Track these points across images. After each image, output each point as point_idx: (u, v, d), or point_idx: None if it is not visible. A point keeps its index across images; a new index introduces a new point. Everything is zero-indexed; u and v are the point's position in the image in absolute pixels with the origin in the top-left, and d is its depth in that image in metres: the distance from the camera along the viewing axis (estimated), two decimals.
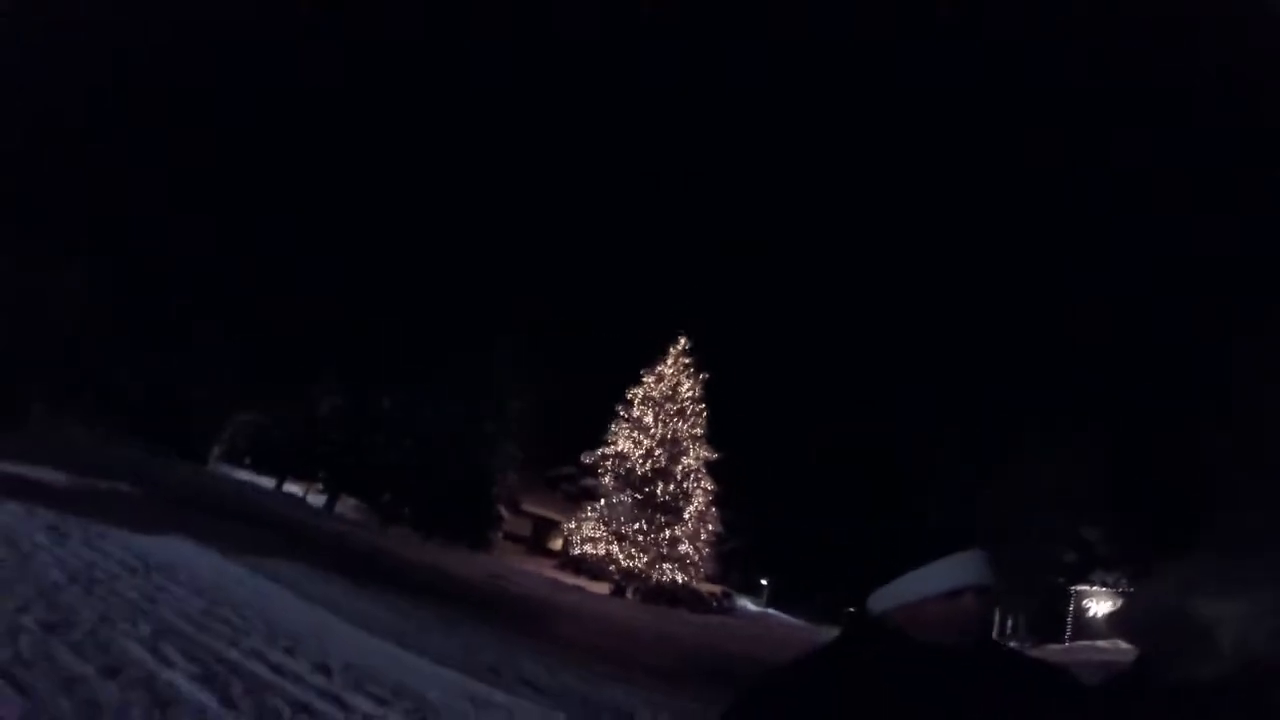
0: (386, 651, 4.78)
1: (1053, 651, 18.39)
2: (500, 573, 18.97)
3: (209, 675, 3.17)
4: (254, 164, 26.26)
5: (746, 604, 30.63)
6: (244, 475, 24.22)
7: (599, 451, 21.83)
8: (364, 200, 29.08)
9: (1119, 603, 19.38)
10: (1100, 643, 18.52)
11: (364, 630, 5.30)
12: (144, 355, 22.07)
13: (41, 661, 2.77)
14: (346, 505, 24.40)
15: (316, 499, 24.13)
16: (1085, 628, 20.33)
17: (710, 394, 22.35)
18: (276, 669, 3.62)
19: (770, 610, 30.74)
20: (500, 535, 26.04)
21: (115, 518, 6.76)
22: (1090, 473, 19.94)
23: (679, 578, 20.34)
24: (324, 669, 3.84)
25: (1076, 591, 21.17)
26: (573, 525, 21.56)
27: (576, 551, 21.42)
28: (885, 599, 0.89)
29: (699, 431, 21.61)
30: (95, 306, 20.32)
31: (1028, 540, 19.60)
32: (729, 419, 26.50)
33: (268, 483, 23.95)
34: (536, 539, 28.47)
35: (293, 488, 24.46)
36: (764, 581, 33.41)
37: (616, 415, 21.83)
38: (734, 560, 32.84)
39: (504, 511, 25.08)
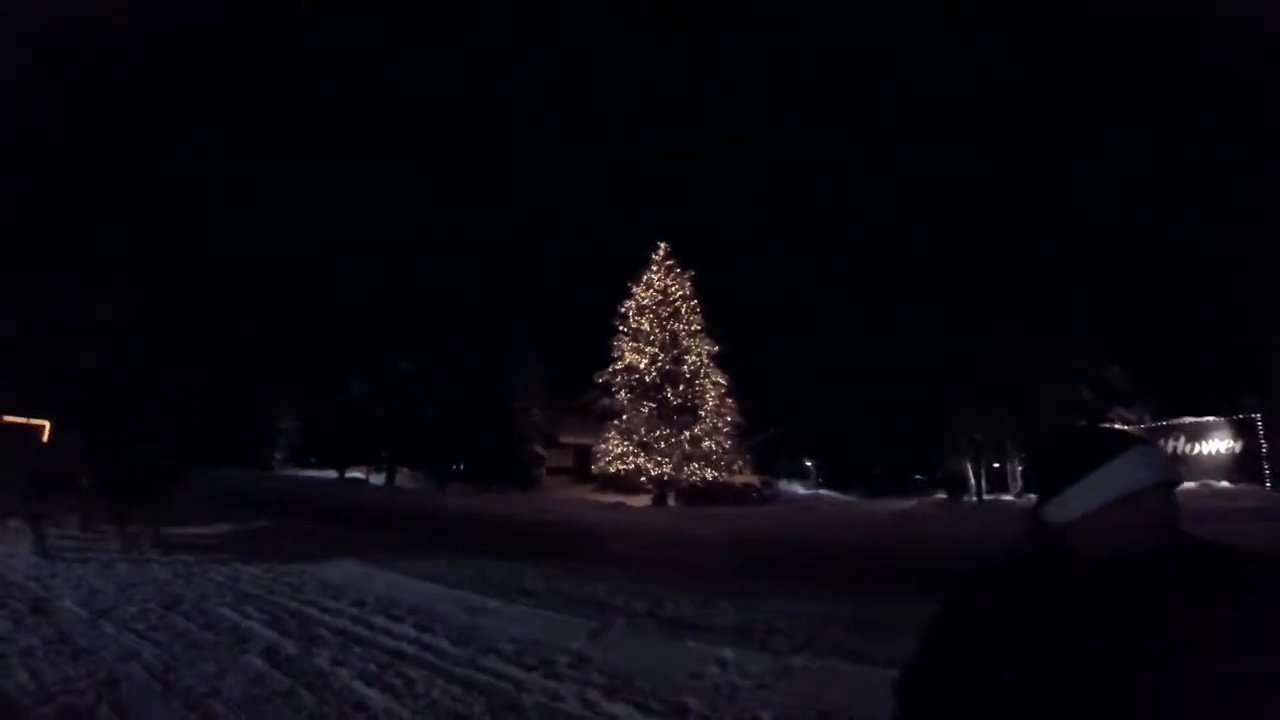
0: (412, 585, 6.42)
1: None
2: (542, 505, 21.05)
3: (274, 619, 4.81)
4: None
5: (797, 489, 32.93)
6: (310, 472, 26.73)
7: (609, 369, 23.49)
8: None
9: None
10: None
11: (397, 573, 7.02)
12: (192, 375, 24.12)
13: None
14: (405, 476, 27.11)
15: (378, 478, 26.95)
16: None
17: (707, 290, 23.63)
18: (323, 609, 5.28)
19: (823, 492, 32.89)
20: (543, 471, 28.60)
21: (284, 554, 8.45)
22: (1104, 308, 20.40)
23: (708, 474, 22.46)
24: (359, 603, 5.49)
25: None
26: (601, 446, 23.62)
27: (611, 470, 23.64)
28: (1062, 509, 0.85)
29: (697, 328, 22.99)
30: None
31: (1044, 380, 20.50)
32: (740, 311, 27.74)
33: (332, 474, 26.58)
34: (580, 468, 30.93)
35: (355, 473, 27.21)
36: (809, 464, 35.75)
37: (616, 330, 23.32)
38: (778, 448, 35.13)
39: (540, 449, 27.49)
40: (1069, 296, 20.32)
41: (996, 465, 25.17)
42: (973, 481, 26.05)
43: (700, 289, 24.04)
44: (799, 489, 32.89)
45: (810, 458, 35.67)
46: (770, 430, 34.01)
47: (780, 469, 35.17)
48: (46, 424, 10.28)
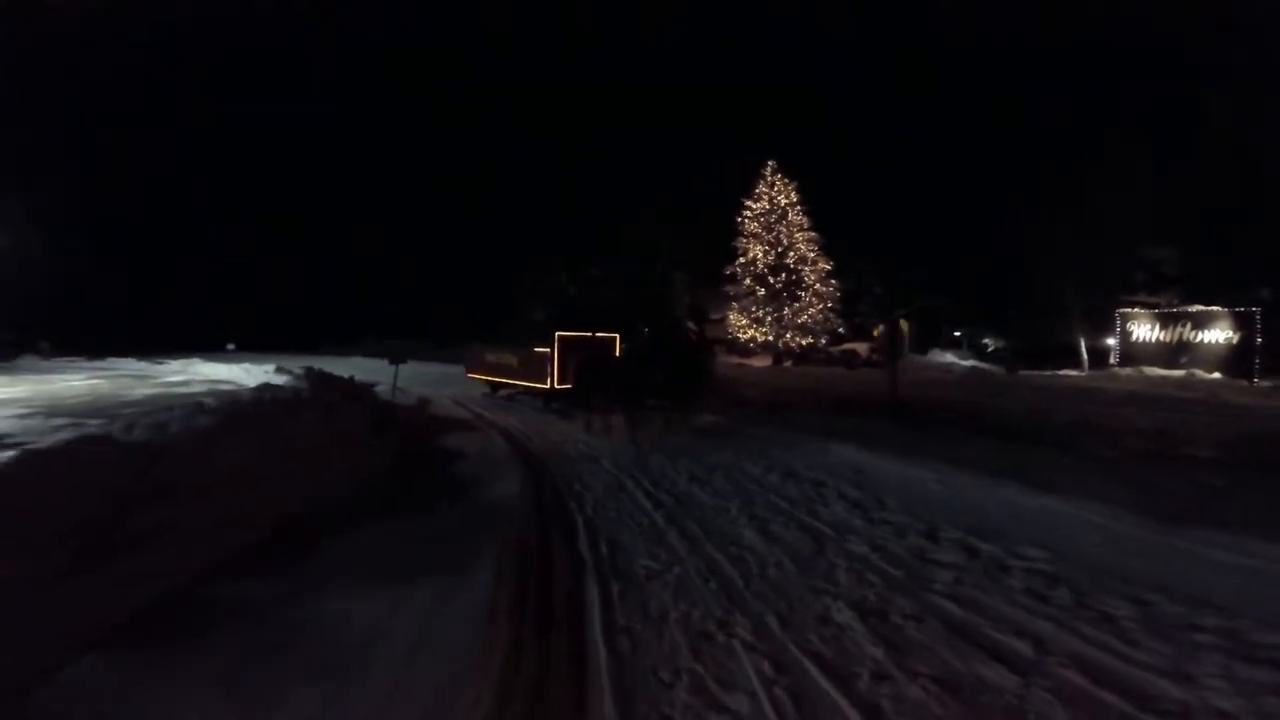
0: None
1: (1096, 376, 23.24)
2: None
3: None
4: None
5: (948, 357, 39.61)
6: None
7: (736, 262, 33.78)
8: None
9: (1156, 325, 22.75)
10: (1123, 370, 22.16)
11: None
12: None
13: None
14: None
15: None
16: (1130, 352, 23.46)
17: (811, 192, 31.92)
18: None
19: (964, 361, 38.97)
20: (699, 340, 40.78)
21: None
22: (1164, 190, 22.83)
23: (804, 341, 32.09)
24: None
25: (1121, 314, 24.25)
26: (728, 320, 34.62)
27: (738, 338, 34.64)
28: None
29: (800, 227, 31.75)
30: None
31: (1091, 258, 24.46)
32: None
33: None
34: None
35: None
36: (957, 334, 41.33)
37: (737, 233, 33.19)
38: (940, 319, 41.68)
39: (691, 324, 39.37)
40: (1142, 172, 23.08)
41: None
42: (1084, 355, 30.66)
43: (817, 192, 32.23)
44: (950, 358, 39.55)
45: (960, 329, 41.32)
46: (917, 303, 40.69)
47: (939, 339, 41.94)
48: (617, 336, 12.92)
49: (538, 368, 12.24)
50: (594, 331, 12.62)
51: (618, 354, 12.26)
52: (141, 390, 15.57)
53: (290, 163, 44.32)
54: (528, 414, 12.69)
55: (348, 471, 7.00)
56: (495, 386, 14.60)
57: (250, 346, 35.41)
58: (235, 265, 42.86)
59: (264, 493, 5.73)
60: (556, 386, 11.94)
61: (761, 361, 33.89)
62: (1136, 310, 24.09)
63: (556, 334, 11.93)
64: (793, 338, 31.97)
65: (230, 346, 35.33)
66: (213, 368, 22.38)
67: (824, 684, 3.15)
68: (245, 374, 18.95)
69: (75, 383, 17.56)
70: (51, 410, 10.71)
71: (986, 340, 42.21)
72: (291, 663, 3.16)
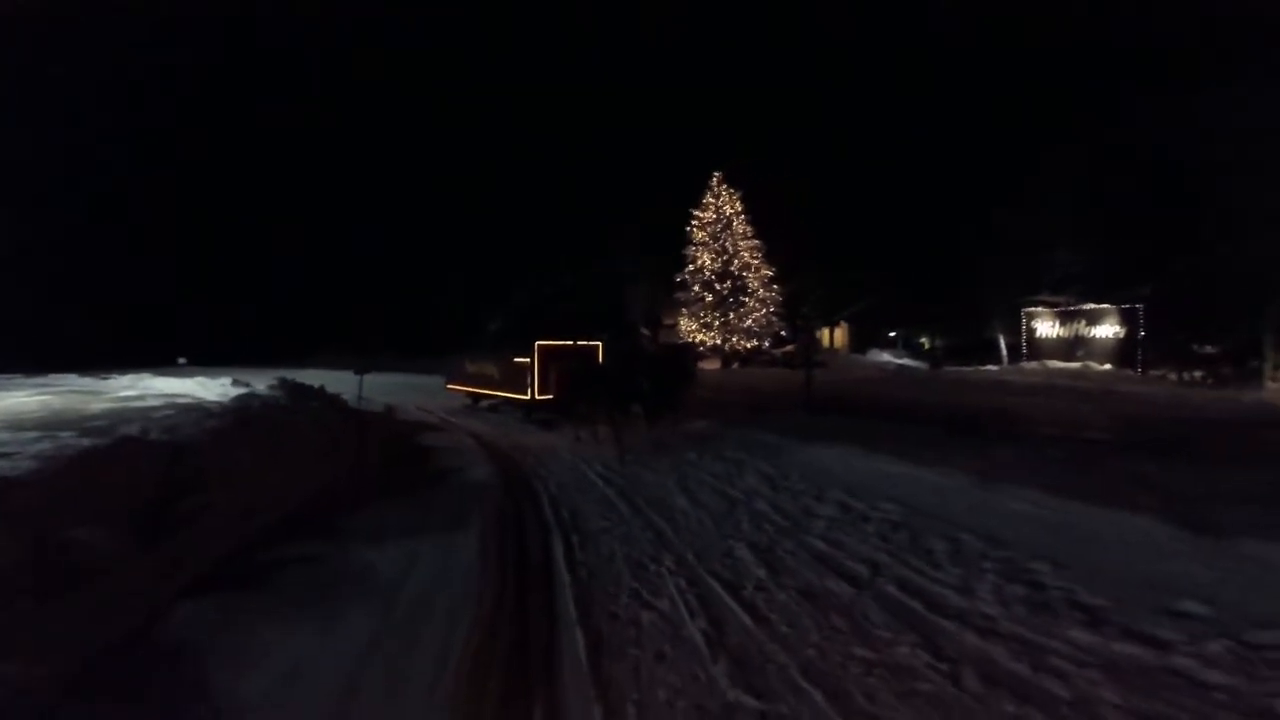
0: None
1: (1008, 370, 25.94)
2: None
3: None
4: None
5: (885, 357, 42.28)
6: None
7: (685, 270, 35.53)
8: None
9: (1056, 322, 25.65)
10: (1029, 364, 24.94)
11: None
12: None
13: None
14: None
15: None
16: (1035, 348, 26.72)
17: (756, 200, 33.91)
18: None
19: (896, 360, 41.75)
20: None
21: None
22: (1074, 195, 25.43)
23: (749, 344, 34.04)
24: None
25: (1026, 313, 27.22)
26: (679, 325, 36.34)
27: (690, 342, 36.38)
28: None
29: (744, 235, 33.73)
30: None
31: (1006, 259, 27.05)
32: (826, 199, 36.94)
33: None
34: None
35: None
36: (892, 334, 44.24)
37: (686, 242, 34.98)
38: (877, 320, 44.28)
39: (644, 329, 41.06)
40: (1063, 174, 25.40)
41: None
42: (1004, 351, 33.46)
43: (761, 199, 34.26)
44: (885, 356, 42.22)
45: (896, 329, 44.24)
46: (857, 305, 43.36)
47: (878, 340, 44.68)
48: (599, 344, 12.58)
49: (518, 378, 12.10)
50: (574, 340, 12.45)
51: (600, 362, 12.16)
52: (98, 405, 15.79)
53: (286, 164, 44.09)
54: (503, 421, 13.59)
55: (340, 466, 8.18)
56: (476, 398, 14.61)
57: (200, 360, 35.23)
58: (184, 275, 42.37)
59: (276, 482, 6.90)
60: (537, 397, 11.81)
61: (711, 364, 35.73)
62: (1039, 309, 26.78)
63: (537, 344, 11.76)
64: (739, 341, 33.85)
65: (181, 360, 35.08)
66: (165, 382, 22.52)
67: (721, 592, 4.61)
68: (201, 388, 19.34)
69: (23, 399, 17.58)
70: (15, 425, 10.98)
71: (923, 339, 45.24)
72: (343, 595, 4.44)
